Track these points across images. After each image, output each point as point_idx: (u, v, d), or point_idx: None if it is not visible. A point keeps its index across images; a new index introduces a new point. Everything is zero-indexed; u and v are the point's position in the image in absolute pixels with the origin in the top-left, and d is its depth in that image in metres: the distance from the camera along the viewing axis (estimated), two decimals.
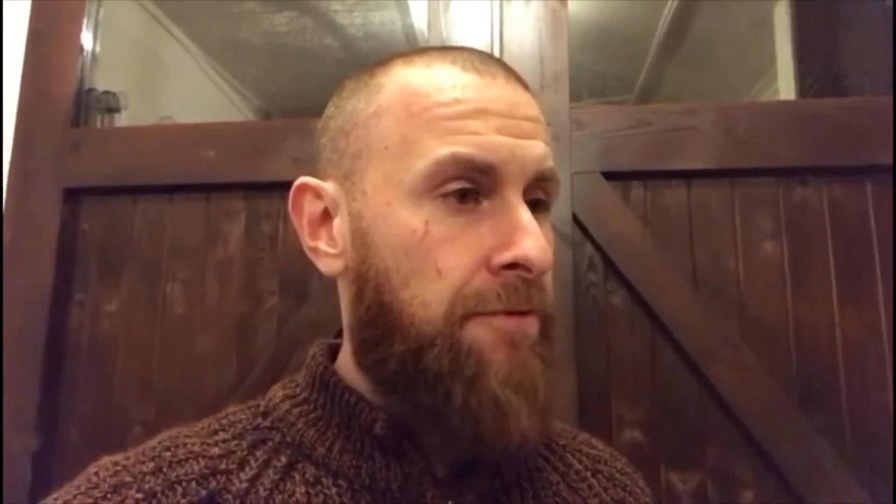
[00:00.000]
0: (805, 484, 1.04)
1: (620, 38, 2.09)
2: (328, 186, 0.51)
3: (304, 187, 0.52)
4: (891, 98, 1.14)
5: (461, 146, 0.45)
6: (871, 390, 1.08)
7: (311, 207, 0.52)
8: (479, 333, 0.44)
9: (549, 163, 0.48)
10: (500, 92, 0.48)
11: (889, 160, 1.11)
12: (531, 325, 0.46)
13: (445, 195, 0.45)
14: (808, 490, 1.04)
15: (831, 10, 1.70)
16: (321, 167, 0.53)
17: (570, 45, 1.23)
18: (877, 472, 1.05)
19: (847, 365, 1.09)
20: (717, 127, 1.16)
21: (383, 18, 1.84)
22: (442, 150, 0.45)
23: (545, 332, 0.48)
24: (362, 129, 0.49)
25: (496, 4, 1.25)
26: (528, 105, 0.49)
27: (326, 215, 0.51)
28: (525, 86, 0.51)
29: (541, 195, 0.49)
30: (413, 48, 0.53)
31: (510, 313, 0.45)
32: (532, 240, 0.44)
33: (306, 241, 0.52)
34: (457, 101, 0.46)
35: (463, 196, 0.45)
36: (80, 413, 1.22)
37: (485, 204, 0.46)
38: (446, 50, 0.51)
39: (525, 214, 0.45)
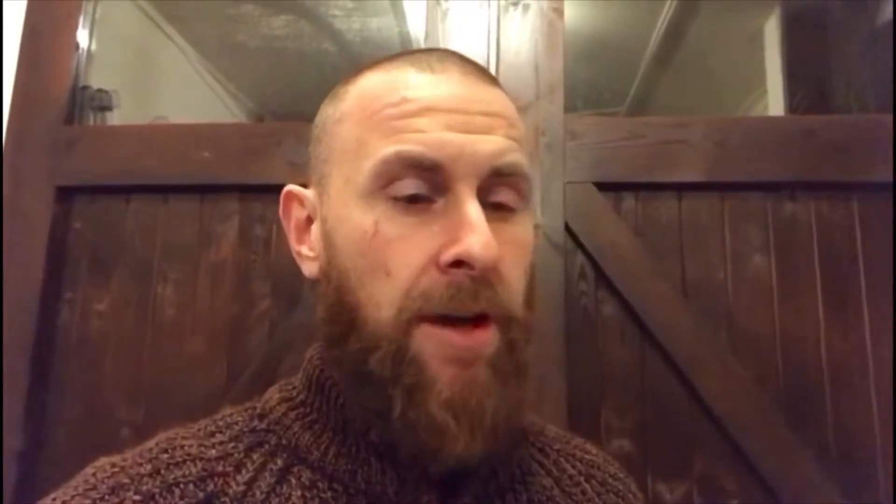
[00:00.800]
0: (790, 494, 1.06)
1: (614, 49, 2.11)
2: (309, 193, 0.53)
3: (291, 194, 0.54)
4: (879, 116, 1.17)
5: (405, 144, 0.45)
6: (856, 402, 1.09)
7: (297, 213, 0.54)
8: (425, 347, 0.44)
9: (510, 157, 0.47)
10: (451, 89, 0.47)
11: (876, 177, 1.14)
12: (484, 342, 0.45)
13: (394, 196, 0.45)
14: (793, 501, 1.06)
15: (821, 29, 1.73)
16: (308, 174, 0.54)
17: (565, 56, 1.25)
18: (861, 483, 1.06)
19: (832, 377, 1.10)
20: (709, 141, 1.18)
21: (381, 24, 1.84)
22: (387, 149, 0.45)
23: (509, 342, 0.46)
24: (329, 136, 0.50)
25: (493, 14, 1.26)
26: (485, 101, 0.48)
27: (309, 221, 0.53)
28: (488, 81, 0.50)
29: (506, 197, 0.47)
30: (384, 56, 0.53)
31: (457, 326, 0.44)
32: (476, 236, 0.43)
33: (293, 245, 0.54)
34: (404, 101, 0.46)
35: (414, 195, 0.45)
36: (67, 413, 1.21)
37: (439, 203, 0.45)
38: (414, 53, 0.51)
39: (472, 211, 0.44)
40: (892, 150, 1.13)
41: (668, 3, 1.95)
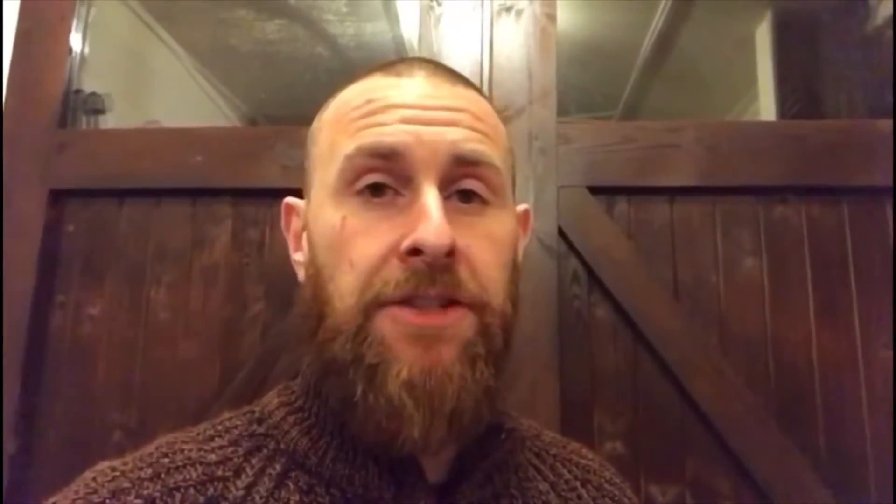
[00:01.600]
0: (782, 495, 1.06)
1: (607, 54, 2.12)
2: (302, 204, 0.55)
3: (288, 207, 0.57)
4: (869, 121, 1.18)
5: (364, 138, 0.47)
6: (846, 404, 1.10)
7: (295, 224, 0.56)
8: (385, 326, 0.44)
9: (472, 145, 0.47)
10: (413, 88, 0.49)
11: (866, 181, 1.15)
12: (451, 322, 0.45)
13: (360, 191, 0.47)
14: (784, 502, 1.06)
15: (812, 34, 1.74)
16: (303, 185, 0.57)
17: (557, 62, 1.25)
18: (852, 484, 1.07)
19: (823, 379, 1.11)
20: (700, 145, 1.19)
21: (374, 29, 1.85)
22: (349, 146, 0.47)
23: (483, 328, 0.46)
24: (312, 145, 0.53)
25: (486, 19, 1.27)
26: (448, 97, 0.49)
27: (304, 229, 0.54)
28: (463, 84, 0.51)
29: (473, 186, 0.48)
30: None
31: (418, 306, 0.44)
32: (429, 224, 0.43)
33: (292, 254, 0.56)
34: (368, 102, 0.49)
35: (376, 189, 0.46)
36: (59, 416, 1.20)
37: (405, 197, 0.46)
38: (391, 62, 0.53)
39: (428, 199, 0.45)
40: (892, 155, 1.14)
41: (661, 8, 1.96)
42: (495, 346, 0.47)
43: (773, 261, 1.16)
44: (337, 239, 0.47)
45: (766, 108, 1.78)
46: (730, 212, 1.19)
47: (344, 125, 0.49)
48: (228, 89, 2.17)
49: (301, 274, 0.53)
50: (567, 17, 1.93)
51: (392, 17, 1.74)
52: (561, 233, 1.17)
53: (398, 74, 0.50)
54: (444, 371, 0.44)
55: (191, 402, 1.18)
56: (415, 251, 0.44)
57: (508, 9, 1.26)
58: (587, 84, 2.08)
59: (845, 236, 1.15)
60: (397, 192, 0.47)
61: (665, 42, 2.09)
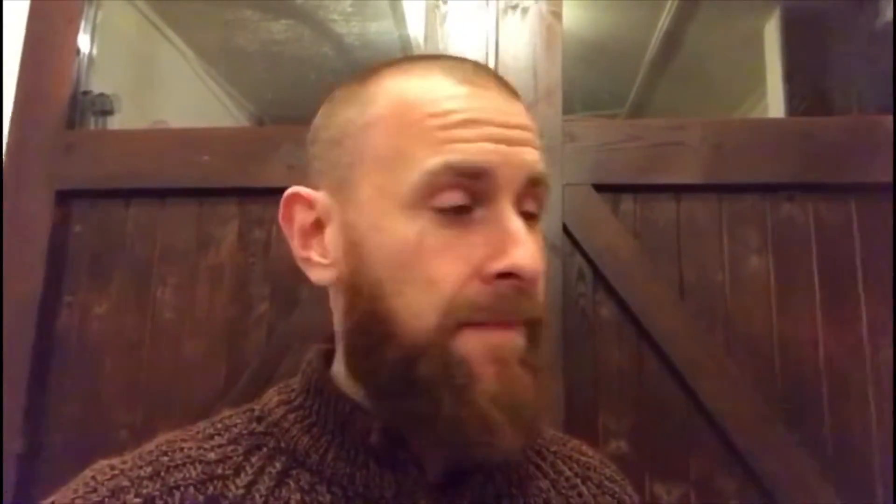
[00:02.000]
0: (787, 495, 1.06)
1: (614, 53, 2.11)
2: (320, 196, 0.51)
3: (296, 197, 0.52)
4: (876, 117, 1.17)
5: (452, 154, 0.45)
6: (853, 404, 1.09)
7: (302, 217, 0.52)
8: (469, 346, 0.45)
9: (541, 167, 0.48)
10: (491, 102, 0.48)
11: (873, 178, 1.14)
12: (518, 337, 0.46)
13: (440, 209, 0.45)
14: (790, 502, 1.06)
15: (821, 31, 1.73)
16: (312, 176, 0.53)
17: (563, 60, 1.25)
18: (858, 484, 1.06)
19: (829, 378, 1.10)
20: (706, 143, 1.18)
21: (380, 28, 1.85)
22: (434, 159, 0.45)
23: (533, 339, 0.48)
24: (354, 141, 0.49)
25: (492, 18, 1.26)
26: (519, 114, 0.49)
27: (318, 225, 0.51)
28: (516, 95, 0.51)
29: (531, 207, 0.49)
30: (402, 57, 0.54)
31: (499, 324, 0.46)
32: (523, 248, 0.44)
33: (297, 250, 0.52)
34: (449, 112, 0.46)
35: (458, 207, 0.46)
36: (66, 416, 1.21)
37: (477, 213, 0.46)
38: (436, 59, 0.51)
39: (516, 223, 0.45)
40: (892, 151, 1.13)
41: (668, 6, 1.95)
42: (543, 360, 0.48)
43: (779, 259, 1.15)
44: (412, 255, 0.45)
45: (774, 106, 1.77)
46: (736, 210, 1.18)
47: (418, 133, 0.46)
48: (236, 90, 2.18)
49: (320, 276, 0.51)
50: (574, 16, 1.93)
51: (399, 16, 1.74)
52: (566, 231, 1.17)
53: (470, 83, 0.48)
54: (521, 385, 0.46)
55: (196, 401, 1.18)
56: (506, 275, 0.45)
57: (514, 7, 1.26)
58: (594, 83, 2.07)
59: (853, 233, 1.14)
60: (473, 209, 0.46)
61: (672, 40, 2.09)
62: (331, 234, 0.50)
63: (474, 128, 0.46)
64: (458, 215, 0.46)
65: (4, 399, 1.19)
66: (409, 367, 0.45)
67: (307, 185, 0.52)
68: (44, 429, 1.21)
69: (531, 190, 0.48)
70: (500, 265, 0.45)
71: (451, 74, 0.48)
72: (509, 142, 0.47)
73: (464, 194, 0.45)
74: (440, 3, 1.27)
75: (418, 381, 0.44)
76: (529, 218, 0.48)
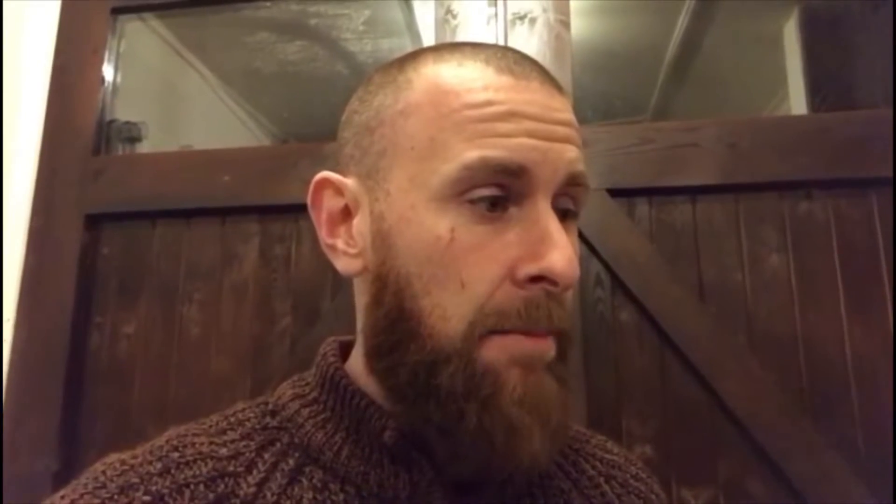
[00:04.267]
0: (818, 496, 1.03)
1: (630, 60, 2.11)
2: (350, 183, 0.49)
3: (326, 182, 0.50)
4: (891, 110, 1.15)
5: (491, 149, 0.43)
6: (883, 402, 1.07)
7: (331, 203, 0.50)
8: (494, 355, 0.43)
9: (581, 166, 0.46)
10: (533, 95, 0.45)
11: (893, 172, 1.12)
12: (548, 348, 0.45)
13: (474, 201, 0.43)
14: (821, 503, 1.03)
15: (841, 28, 1.71)
16: (343, 162, 0.51)
17: (575, 68, 1.25)
18: (890, 482, 1.03)
19: (857, 377, 1.08)
20: (720, 143, 1.17)
21: (391, 45, 1.87)
22: (471, 153, 0.43)
23: (562, 353, 0.46)
24: (388, 127, 0.47)
25: (501, 29, 1.28)
26: (561, 109, 0.47)
27: (346, 212, 0.50)
28: (560, 89, 0.48)
29: (569, 204, 0.47)
30: (443, 43, 0.52)
31: (528, 333, 0.44)
32: (560, 252, 0.42)
33: (324, 237, 0.50)
34: (488, 103, 0.44)
35: (493, 204, 0.44)
36: (99, 433, 1.25)
37: (512, 211, 0.44)
38: (479, 47, 0.49)
39: (553, 224, 0.43)
40: (892, 146, 1.11)
41: (684, 10, 1.94)
42: (569, 370, 0.48)
43: (800, 257, 1.14)
44: (444, 252, 0.43)
45: (797, 106, 1.74)
46: (753, 209, 1.17)
47: (456, 123, 0.44)
48: (258, 111, 2.23)
49: (346, 265, 0.49)
50: (589, 25, 1.94)
51: (410, 32, 1.76)
52: (581, 236, 1.17)
53: (511, 74, 0.46)
54: (548, 390, 0.45)
55: None
56: (539, 278, 0.43)
57: (522, 17, 1.28)
58: (613, 91, 2.07)
59: (875, 228, 1.12)
60: (506, 206, 0.44)
61: (691, 45, 2.08)
62: (359, 223, 0.48)
63: (514, 121, 0.44)
64: (491, 212, 0.44)
65: (39, 419, 1.22)
66: (430, 373, 0.43)
67: (336, 171, 0.51)
68: (78, 447, 1.24)
69: (569, 189, 0.46)
70: (534, 268, 0.43)
71: (493, 63, 0.46)
72: (550, 138, 0.45)
73: (500, 190, 0.44)
74: (450, 17, 1.29)
75: (440, 391, 0.43)
76: (565, 217, 0.47)
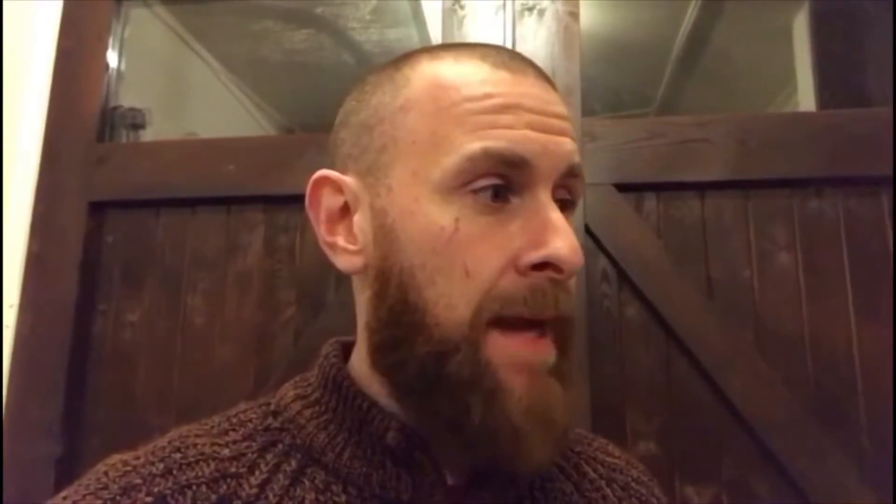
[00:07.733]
0: (822, 497, 1.03)
1: (638, 52, 2.10)
2: (349, 181, 0.49)
3: (324, 180, 0.50)
4: None
5: (492, 140, 0.44)
6: (891, 402, 1.06)
7: (330, 201, 0.50)
8: (494, 351, 0.44)
9: (577, 158, 0.47)
10: (530, 89, 0.47)
11: None
12: (548, 350, 0.45)
13: (476, 191, 0.44)
14: (825, 503, 1.03)
15: (851, 23, 1.69)
16: (339, 161, 0.51)
17: (583, 60, 1.24)
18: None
19: (865, 376, 1.07)
20: (730, 138, 1.16)
21: (398, 34, 1.86)
22: (472, 144, 0.44)
23: (563, 346, 0.47)
24: (388, 124, 0.48)
25: (509, 20, 1.27)
26: (557, 102, 0.48)
27: (345, 210, 0.50)
28: (552, 84, 0.50)
29: (567, 195, 0.48)
30: (435, 45, 0.53)
31: (521, 333, 0.44)
32: (563, 239, 0.43)
33: (323, 236, 0.50)
34: (488, 96, 0.45)
35: (495, 194, 0.44)
36: (102, 420, 1.24)
37: (514, 202, 0.45)
38: (473, 46, 0.50)
39: (555, 212, 0.44)
40: (892, 144, 1.10)
41: (693, 3, 1.93)
42: (574, 363, 0.48)
43: (808, 255, 1.13)
44: (448, 243, 0.44)
45: (805, 101, 1.73)
46: (763, 206, 1.16)
47: (457, 116, 0.45)
48: (263, 100, 2.22)
49: (346, 262, 0.49)
50: (596, 17, 1.92)
51: (417, 21, 1.75)
52: (588, 231, 1.16)
53: (508, 69, 0.47)
54: (553, 398, 0.45)
55: (226, 403, 1.19)
56: (542, 266, 0.44)
57: (531, 8, 1.26)
58: (618, 83, 2.06)
59: (885, 227, 1.11)
60: (508, 197, 0.45)
61: (699, 38, 2.06)
62: (359, 220, 0.49)
63: (514, 114, 0.45)
64: (494, 202, 0.45)
65: (42, 405, 1.22)
66: (439, 362, 0.43)
67: (334, 170, 0.51)
68: (81, 433, 1.24)
69: (567, 180, 0.47)
70: (538, 255, 0.44)
71: (488, 59, 0.47)
72: (548, 130, 0.46)
73: (502, 180, 0.45)
74: (457, 7, 1.28)
75: (448, 380, 0.43)
76: (564, 206, 0.47)
